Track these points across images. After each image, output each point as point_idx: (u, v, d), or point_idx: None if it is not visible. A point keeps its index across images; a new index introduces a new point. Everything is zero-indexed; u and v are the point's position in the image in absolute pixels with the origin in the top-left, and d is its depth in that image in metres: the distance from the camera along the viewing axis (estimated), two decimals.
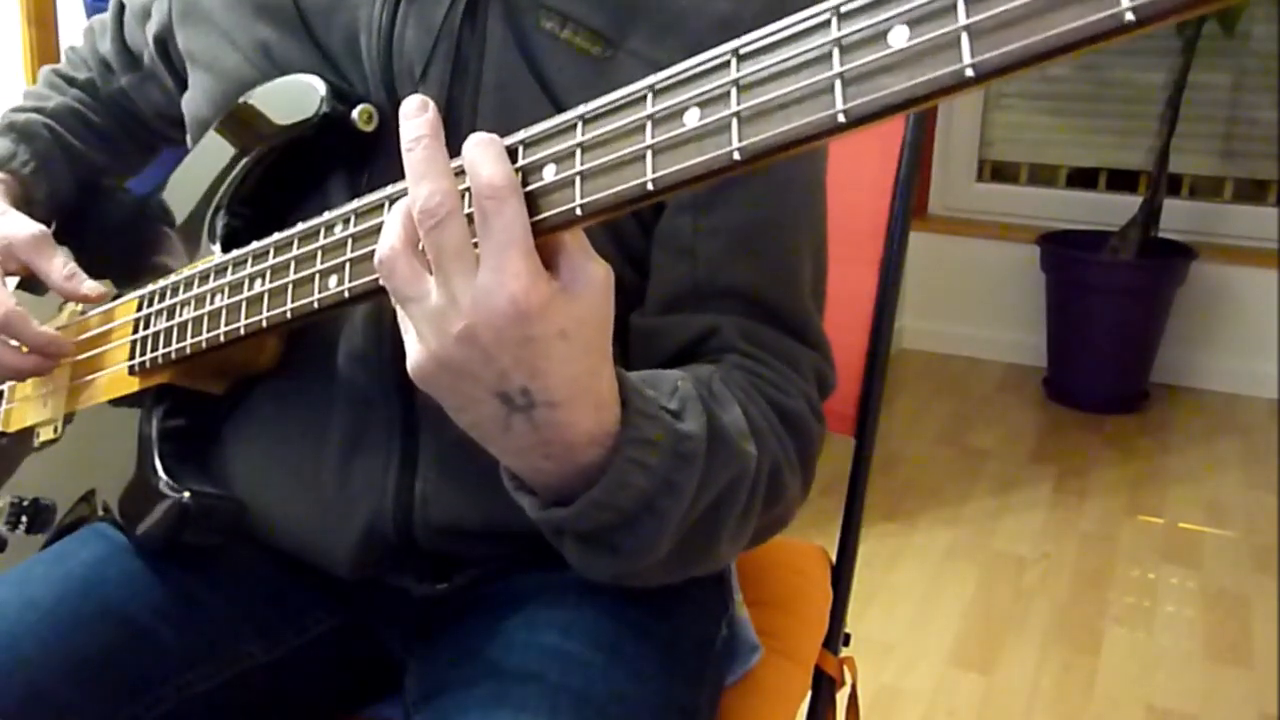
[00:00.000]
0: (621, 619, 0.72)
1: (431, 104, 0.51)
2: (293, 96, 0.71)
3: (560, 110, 0.50)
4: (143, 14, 0.89)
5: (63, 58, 1.00)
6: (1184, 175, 3.17)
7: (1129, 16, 0.35)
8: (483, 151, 0.49)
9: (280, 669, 0.79)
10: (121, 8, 0.92)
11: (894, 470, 2.58)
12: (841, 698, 0.97)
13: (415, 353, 0.52)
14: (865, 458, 1.00)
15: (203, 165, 0.78)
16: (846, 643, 1.00)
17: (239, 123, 0.75)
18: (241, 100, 0.74)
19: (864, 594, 1.97)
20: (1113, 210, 3.06)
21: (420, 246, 0.50)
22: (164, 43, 0.86)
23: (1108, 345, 2.98)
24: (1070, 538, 2.29)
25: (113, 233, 0.91)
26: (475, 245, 0.49)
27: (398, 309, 0.52)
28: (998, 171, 3.45)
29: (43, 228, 0.82)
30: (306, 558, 0.76)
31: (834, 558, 1.03)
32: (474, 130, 0.69)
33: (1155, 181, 2.87)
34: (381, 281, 0.52)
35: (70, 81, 0.97)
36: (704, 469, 0.56)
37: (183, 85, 0.85)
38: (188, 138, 0.82)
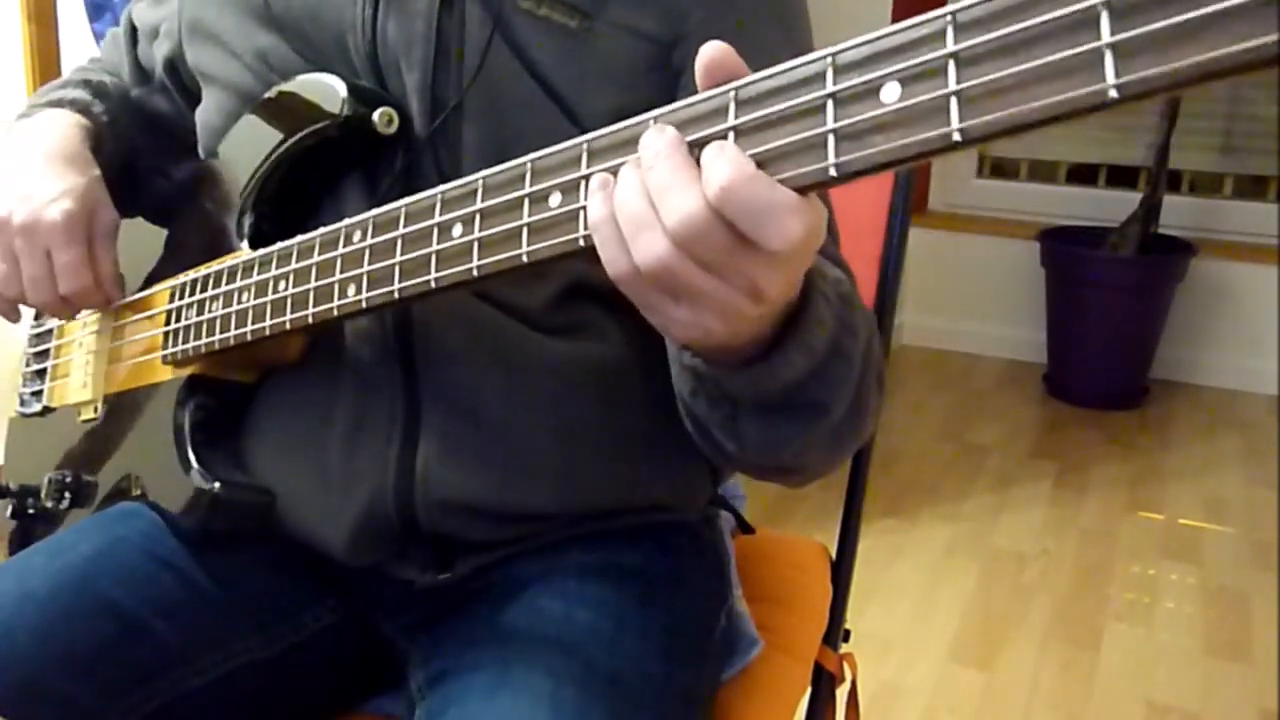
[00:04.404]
0: (623, 605, 0.72)
1: (669, 127, 0.47)
2: (314, 97, 0.72)
3: (544, 86, 0.48)
4: (152, 33, 0.90)
5: (62, 59, 1.01)
6: (1184, 171, 3.18)
7: (1112, 94, 0.36)
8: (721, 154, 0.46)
9: (277, 665, 0.79)
10: (133, 27, 0.94)
11: (894, 466, 2.58)
12: (841, 694, 0.97)
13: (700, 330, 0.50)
14: (865, 453, 1.00)
15: (230, 160, 0.79)
16: (846, 639, 1.01)
17: (268, 116, 0.76)
18: (265, 96, 0.75)
19: (864, 590, 1.97)
20: (1113, 206, 3.06)
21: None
22: (174, 63, 0.88)
23: (1108, 341, 2.98)
24: (1070, 534, 2.29)
25: (148, 215, 0.94)
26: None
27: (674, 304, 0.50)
28: (998, 167, 3.45)
29: (119, 219, 0.85)
30: (312, 541, 0.76)
31: (834, 554, 1.03)
32: (460, 114, 0.69)
33: (1155, 177, 2.87)
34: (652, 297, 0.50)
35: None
36: (860, 315, 0.60)
37: (191, 100, 0.87)
38: (199, 145, 0.84)
